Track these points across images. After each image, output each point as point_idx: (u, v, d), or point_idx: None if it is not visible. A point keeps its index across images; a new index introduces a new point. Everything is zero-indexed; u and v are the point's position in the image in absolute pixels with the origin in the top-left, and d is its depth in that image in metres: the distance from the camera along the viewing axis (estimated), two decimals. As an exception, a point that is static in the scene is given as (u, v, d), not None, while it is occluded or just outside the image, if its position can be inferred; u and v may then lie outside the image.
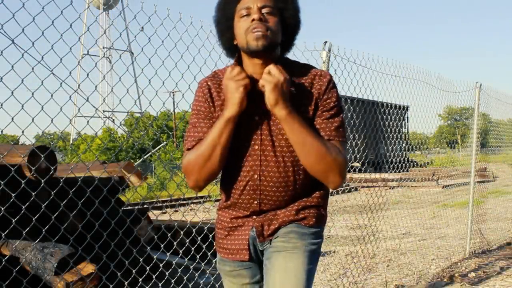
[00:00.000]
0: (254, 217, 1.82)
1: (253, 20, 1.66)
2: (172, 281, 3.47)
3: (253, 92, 1.70)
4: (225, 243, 1.88)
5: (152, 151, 11.32)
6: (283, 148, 1.74)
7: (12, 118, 2.55)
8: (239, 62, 1.78)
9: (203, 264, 3.95)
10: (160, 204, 11.81)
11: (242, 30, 1.69)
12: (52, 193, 2.97)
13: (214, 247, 2.01)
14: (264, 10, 1.68)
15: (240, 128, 1.72)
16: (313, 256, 1.82)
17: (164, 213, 10.37)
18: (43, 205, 2.87)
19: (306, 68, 1.80)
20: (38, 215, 2.89)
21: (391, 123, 5.27)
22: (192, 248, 3.74)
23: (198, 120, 1.78)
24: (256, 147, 1.75)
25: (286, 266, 1.75)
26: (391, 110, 5.26)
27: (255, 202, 1.78)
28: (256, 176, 1.76)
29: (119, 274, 3.27)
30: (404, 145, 6.10)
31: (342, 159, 1.71)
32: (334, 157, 1.69)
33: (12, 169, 3.05)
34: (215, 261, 1.99)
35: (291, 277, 1.73)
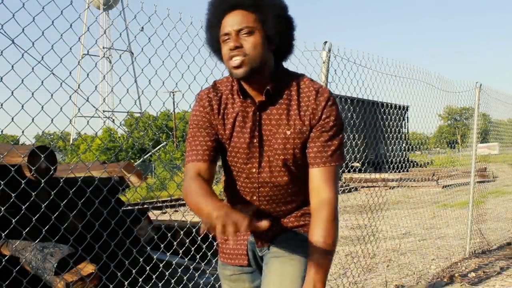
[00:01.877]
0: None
1: (230, 48, 1.64)
2: (172, 281, 3.47)
3: (248, 114, 1.73)
4: (224, 248, 1.91)
5: (152, 151, 11.32)
6: (281, 168, 1.75)
7: (12, 118, 2.55)
8: None
9: (203, 264, 3.95)
10: (160, 204, 11.80)
11: (224, 58, 1.69)
12: (52, 193, 2.97)
13: (214, 247, 2.02)
14: (242, 33, 1.65)
15: (239, 149, 1.75)
16: None
17: (164, 213, 10.36)
18: (43, 205, 2.87)
19: (304, 83, 1.76)
20: (38, 215, 2.89)
21: (391, 123, 5.27)
22: (192, 248, 3.74)
23: (198, 130, 1.75)
24: (254, 170, 1.76)
25: (283, 272, 1.75)
26: (391, 110, 5.26)
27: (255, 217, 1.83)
28: (255, 198, 1.80)
29: (119, 274, 3.27)
30: (404, 145, 6.10)
31: (333, 206, 1.68)
32: (335, 231, 1.67)
33: (12, 169, 3.05)
34: (215, 261, 2.00)
35: (287, 283, 1.73)
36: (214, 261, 3.29)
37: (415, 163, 17.32)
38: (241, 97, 1.74)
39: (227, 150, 1.78)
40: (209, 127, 1.75)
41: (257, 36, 1.66)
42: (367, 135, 6.05)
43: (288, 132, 1.71)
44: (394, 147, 5.79)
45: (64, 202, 2.99)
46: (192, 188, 1.64)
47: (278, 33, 1.69)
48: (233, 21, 1.65)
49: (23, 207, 2.76)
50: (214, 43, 1.74)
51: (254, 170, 1.76)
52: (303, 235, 1.81)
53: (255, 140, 1.73)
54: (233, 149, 1.76)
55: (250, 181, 1.78)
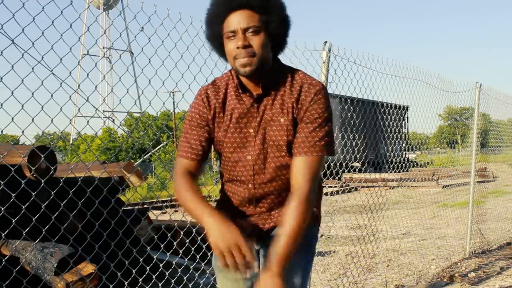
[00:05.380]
0: (250, 217, 1.89)
1: (237, 47, 1.70)
2: (172, 281, 3.47)
3: (246, 107, 1.81)
4: None
5: (152, 151, 11.32)
6: (275, 155, 1.81)
7: (12, 118, 2.55)
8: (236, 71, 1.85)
9: (203, 264, 3.95)
10: (160, 204, 11.80)
11: (230, 55, 1.74)
12: (52, 193, 2.97)
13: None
14: (249, 31, 1.70)
15: (236, 139, 1.82)
16: (308, 256, 1.93)
17: (164, 213, 10.36)
18: (43, 205, 2.87)
19: (298, 76, 1.83)
20: (38, 215, 2.89)
21: (391, 123, 5.27)
22: (192, 248, 3.75)
23: (190, 127, 1.85)
24: (250, 157, 1.83)
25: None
26: (391, 110, 5.26)
27: (251, 206, 1.88)
28: (250, 185, 1.85)
29: (119, 274, 3.27)
30: (404, 145, 6.10)
31: (307, 197, 1.71)
32: (303, 218, 1.70)
33: (12, 169, 3.05)
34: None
35: (286, 276, 1.76)
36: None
37: (415, 163, 17.32)
38: (240, 91, 1.82)
39: (225, 142, 1.84)
40: (204, 125, 1.84)
41: (262, 36, 1.72)
42: (367, 135, 6.05)
43: (282, 120, 1.79)
44: (394, 147, 5.79)
45: (64, 202, 2.99)
46: (182, 185, 1.78)
47: (280, 34, 1.78)
48: (240, 20, 1.70)
49: (23, 207, 2.76)
50: (216, 38, 1.79)
51: (249, 158, 1.82)
52: None
53: (251, 130, 1.82)
54: (229, 140, 1.83)
55: (245, 169, 1.84)
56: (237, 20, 1.70)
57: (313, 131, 1.76)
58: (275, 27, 1.74)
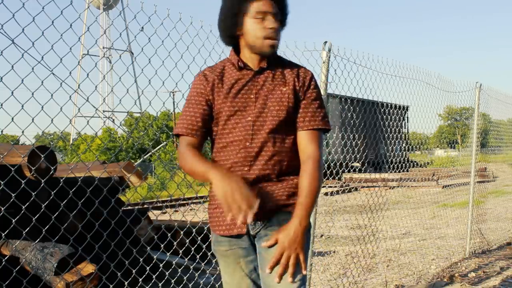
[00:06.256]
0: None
1: (271, 28, 1.88)
2: (172, 281, 3.47)
3: (246, 80, 1.94)
4: (221, 220, 1.97)
5: (152, 151, 11.31)
6: (274, 119, 1.91)
7: (12, 118, 2.55)
8: (236, 51, 1.99)
9: (203, 264, 3.95)
10: (160, 204, 11.80)
11: (258, 34, 1.89)
12: (52, 193, 2.97)
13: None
14: (275, 17, 1.89)
15: (237, 103, 1.92)
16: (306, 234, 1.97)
17: (164, 213, 10.36)
18: (43, 205, 2.87)
19: (292, 63, 2.05)
20: (38, 215, 2.89)
21: (391, 123, 5.27)
22: (192, 248, 3.74)
23: (188, 105, 1.97)
24: (250, 118, 1.91)
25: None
26: (391, 110, 5.26)
27: (245, 168, 1.92)
28: (248, 144, 1.91)
29: (119, 274, 3.27)
30: (404, 145, 6.10)
31: (318, 162, 1.91)
32: (319, 177, 1.90)
33: (12, 169, 3.05)
34: (215, 261, 2.02)
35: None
36: (214, 261, 3.29)
37: (415, 163, 17.32)
38: (240, 67, 1.95)
39: (226, 106, 1.93)
40: (201, 101, 1.95)
41: (279, 22, 1.93)
42: (367, 135, 6.05)
43: (284, 89, 1.94)
44: (394, 147, 5.79)
45: (64, 202, 2.99)
46: (186, 155, 1.90)
47: (285, 23, 2.00)
48: (270, 5, 1.89)
49: (23, 207, 2.76)
50: (234, 14, 1.91)
51: (249, 118, 1.92)
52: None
53: (252, 96, 1.93)
54: (230, 104, 1.92)
55: (245, 129, 1.91)
56: (267, 4, 1.88)
57: (318, 108, 1.96)
58: (285, 18, 1.97)
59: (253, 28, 1.89)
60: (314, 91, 1.98)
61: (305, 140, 1.93)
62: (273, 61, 1.98)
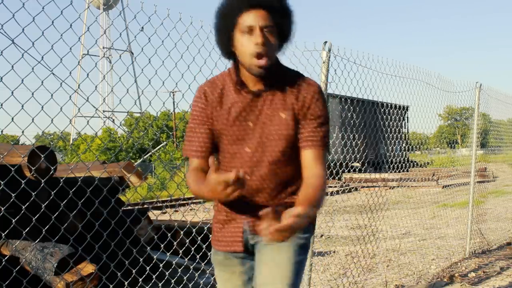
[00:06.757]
0: (247, 211, 1.93)
1: (257, 44, 1.72)
2: (172, 281, 3.47)
3: (246, 102, 1.86)
4: (220, 236, 1.98)
5: (152, 151, 11.32)
6: (273, 148, 1.86)
7: (12, 118, 2.55)
8: (236, 67, 1.88)
9: (203, 264, 3.95)
10: (160, 204, 11.80)
11: (245, 51, 1.75)
12: (52, 193, 2.97)
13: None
14: (266, 30, 1.74)
15: (235, 132, 1.87)
16: (302, 250, 1.94)
17: (164, 213, 10.36)
18: (43, 205, 2.87)
19: (297, 77, 1.92)
20: (38, 215, 2.89)
21: (391, 123, 5.27)
22: (192, 248, 3.74)
23: (194, 125, 1.92)
24: (248, 149, 1.87)
25: (274, 258, 1.85)
26: (391, 110, 5.26)
27: (248, 199, 1.91)
28: (248, 177, 1.87)
29: (119, 274, 3.27)
30: (404, 145, 6.10)
31: (323, 180, 1.84)
32: (323, 187, 1.83)
33: (12, 169, 3.05)
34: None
35: (279, 269, 1.84)
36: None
37: (415, 163, 17.32)
38: (240, 87, 1.87)
39: (224, 134, 1.89)
40: (206, 121, 1.90)
41: (275, 36, 1.78)
42: (367, 135, 6.05)
43: (283, 115, 1.85)
44: (394, 147, 5.79)
45: (64, 202, 2.99)
46: (192, 179, 1.85)
47: (286, 37, 1.85)
48: (258, 18, 1.74)
49: (23, 207, 2.76)
50: (227, 31, 1.79)
51: (248, 150, 1.87)
52: None
53: (250, 123, 1.87)
54: (228, 133, 1.88)
55: (244, 161, 1.88)
56: (255, 17, 1.73)
57: (319, 127, 1.87)
58: (285, 30, 1.82)
59: (241, 44, 1.76)
60: (315, 110, 1.87)
61: (309, 159, 1.86)
62: (273, 78, 1.86)
